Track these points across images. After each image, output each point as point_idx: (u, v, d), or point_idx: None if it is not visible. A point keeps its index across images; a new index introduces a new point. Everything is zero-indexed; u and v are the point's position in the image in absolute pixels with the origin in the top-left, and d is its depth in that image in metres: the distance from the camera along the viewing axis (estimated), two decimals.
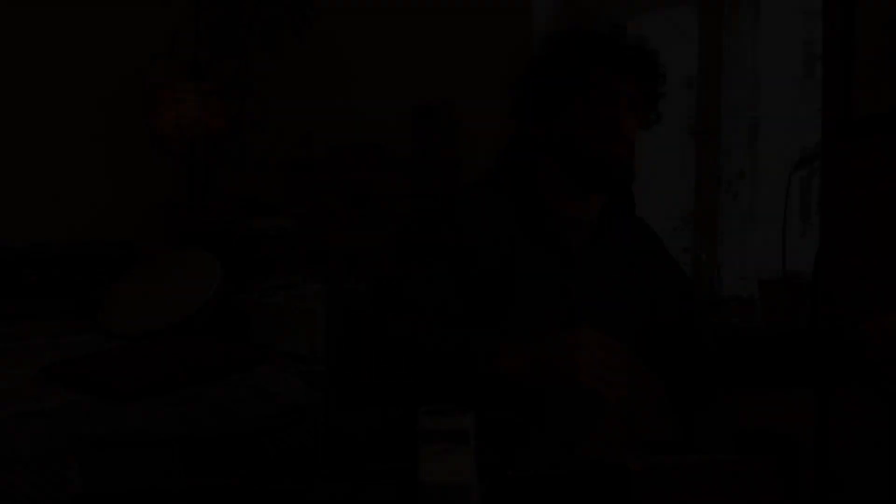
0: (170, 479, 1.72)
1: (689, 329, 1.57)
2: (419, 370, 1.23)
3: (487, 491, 0.90)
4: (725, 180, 2.80)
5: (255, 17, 3.81)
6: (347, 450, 1.45)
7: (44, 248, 3.55)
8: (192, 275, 3.14)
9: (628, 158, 1.45)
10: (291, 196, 4.22)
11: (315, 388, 2.07)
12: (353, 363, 1.63)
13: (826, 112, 2.03)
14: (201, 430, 1.83)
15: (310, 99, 4.28)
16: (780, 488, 1.02)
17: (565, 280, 1.45)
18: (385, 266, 1.49)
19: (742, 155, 2.87)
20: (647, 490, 0.95)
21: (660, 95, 1.53)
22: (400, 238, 1.48)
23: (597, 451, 1.45)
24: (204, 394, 2.00)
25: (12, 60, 3.65)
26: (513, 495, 0.94)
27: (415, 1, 3.80)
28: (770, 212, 2.89)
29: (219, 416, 1.87)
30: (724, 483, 0.99)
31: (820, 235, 2.06)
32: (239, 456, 1.84)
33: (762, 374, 1.53)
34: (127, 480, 1.68)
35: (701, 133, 2.88)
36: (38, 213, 3.73)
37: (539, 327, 1.33)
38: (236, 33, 3.87)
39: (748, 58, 2.88)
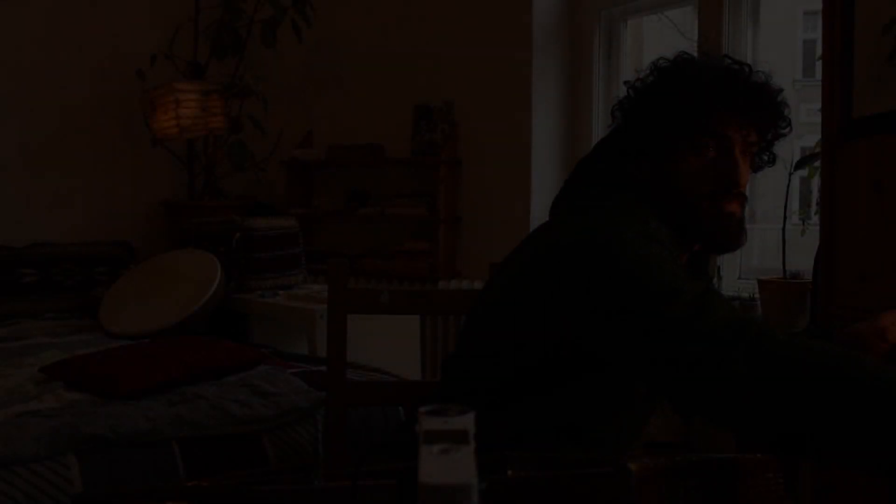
0: (170, 479, 1.72)
1: None
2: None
3: (487, 491, 0.90)
4: None
5: (255, 16, 3.82)
6: (347, 450, 1.45)
7: (44, 248, 3.55)
8: (191, 275, 3.14)
9: (741, 217, 1.29)
10: (291, 196, 4.22)
11: (315, 388, 2.07)
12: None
13: (826, 112, 2.03)
14: (201, 430, 1.83)
15: (310, 99, 4.29)
16: (780, 488, 1.02)
17: None
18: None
19: None
20: (646, 490, 0.95)
21: (781, 138, 1.34)
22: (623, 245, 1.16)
23: None
24: (204, 394, 2.00)
25: (12, 60, 3.65)
26: (513, 495, 0.94)
27: (415, 1, 3.80)
28: (770, 212, 2.89)
29: (219, 416, 1.87)
30: (724, 483, 0.99)
31: (820, 235, 2.06)
32: (239, 456, 1.84)
33: None
34: (127, 480, 1.68)
35: None
36: (39, 213, 3.74)
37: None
38: (236, 33, 3.87)
39: (748, 58, 2.88)
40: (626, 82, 1.32)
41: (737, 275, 2.88)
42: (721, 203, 1.26)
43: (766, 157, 1.37)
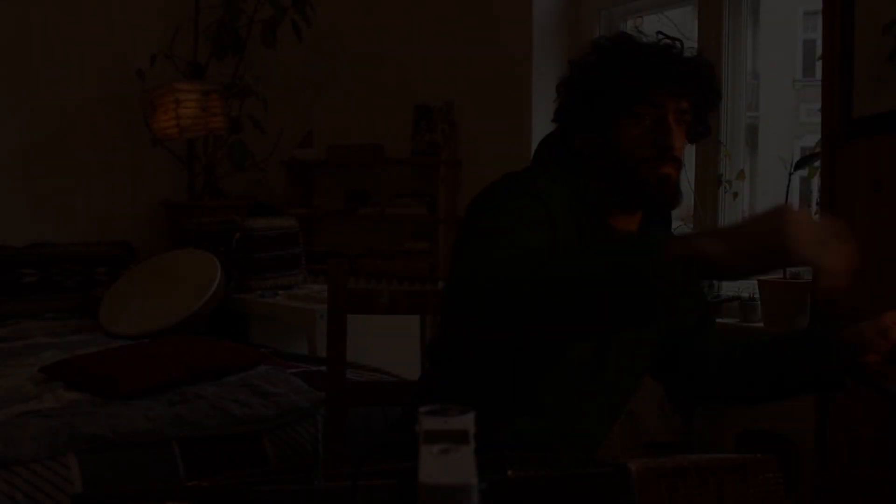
0: (170, 479, 1.72)
1: (702, 334, 1.54)
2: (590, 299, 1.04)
3: (487, 491, 0.90)
4: (725, 180, 2.81)
5: (255, 16, 3.82)
6: (347, 450, 1.45)
7: (44, 248, 3.55)
8: (191, 275, 3.14)
9: (677, 179, 1.39)
10: (291, 196, 4.22)
11: (315, 388, 2.07)
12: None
13: (826, 112, 2.03)
14: (201, 430, 1.83)
15: (310, 99, 4.29)
16: (780, 488, 1.02)
17: None
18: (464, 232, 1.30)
19: (742, 155, 2.87)
20: (647, 490, 0.95)
21: (712, 109, 1.45)
22: (487, 193, 1.33)
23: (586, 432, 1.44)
24: (204, 394, 2.00)
25: (13, 60, 3.65)
26: (513, 495, 0.94)
27: (415, 1, 3.80)
28: None
29: (219, 416, 1.87)
30: (724, 483, 0.99)
31: None
32: (239, 456, 1.84)
33: (765, 385, 1.50)
34: (127, 480, 1.68)
35: None
36: (39, 213, 3.74)
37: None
38: (236, 33, 3.87)
39: (747, 58, 2.88)
40: (570, 61, 1.43)
41: None
42: (658, 166, 1.36)
43: (700, 129, 1.46)
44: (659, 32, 1.40)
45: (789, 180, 2.56)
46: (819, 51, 2.11)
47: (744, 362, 1.48)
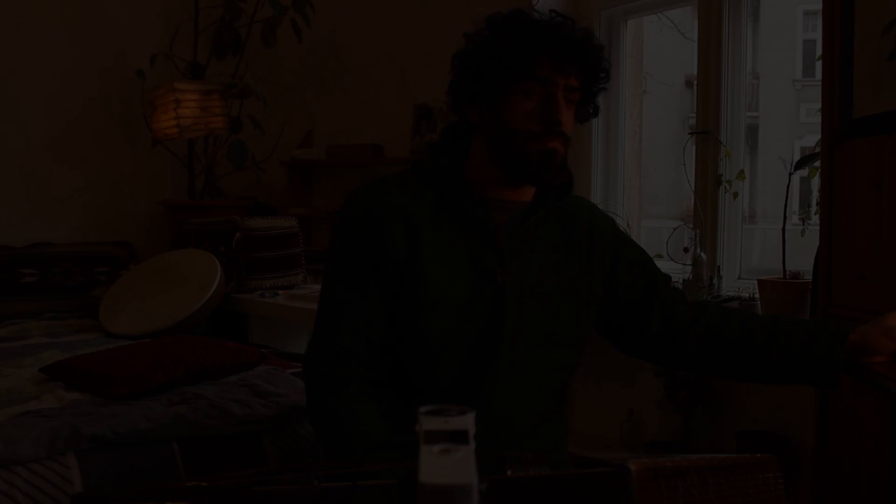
0: (170, 479, 1.72)
1: (657, 298, 1.53)
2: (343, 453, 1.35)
3: (487, 491, 0.90)
4: (725, 180, 2.81)
5: (255, 16, 3.82)
6: (347, 450, 1.45)
7: (44, 248, 3.55)
8: (191, 275, 3.14)
9: (563, 155, 1.43)
10: (291, 196, 4.22)
11: None
12: None
13: (826, 112, 2.03)
14: (201, 430, 1.83)
15: (310, 99, 4.29)
16: (780, 488, 1.02)
17: (490, 265, 1.43)
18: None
19: (742, 155, 2.87)
20: (646, 490, 0.95)
21: (600, 90, 1.49)
22: (330, 249, 1.49)
23: None
24: (204, 394, 2.00)
25: (12, 60, 3.65)
26: (513, 495, 0.94)
27: (415, 1, 3.80)
28: (770, 212, 2.89)
29: (219, 416, 1.87)
30: (724, 483, 0.99)
31: (820, 235, 2.06)
32: (239, 456, 1.84)
33: (760, 368, 1.48)
34: (127, 480, 1.68)
35: (701, 133, 2.88)
36: (39, 213, 3.74)
37: (465, 313, 1.39)
38: (236, 33, 3.87)
39: (748, 58, 2.88)
40: (464, 34, 1.47)
41: (737, 275, 2.88)
42: (544, 141, 1.40)
43: (590, 110, 1.51)
44: (552, 11, 1.43)
45: (789, 180, 2.57)
46: (819, 51, 2.11)
47: (746, 343, 1.46)
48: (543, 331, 1.45)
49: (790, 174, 2.56)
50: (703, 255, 2.78)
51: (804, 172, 2.57)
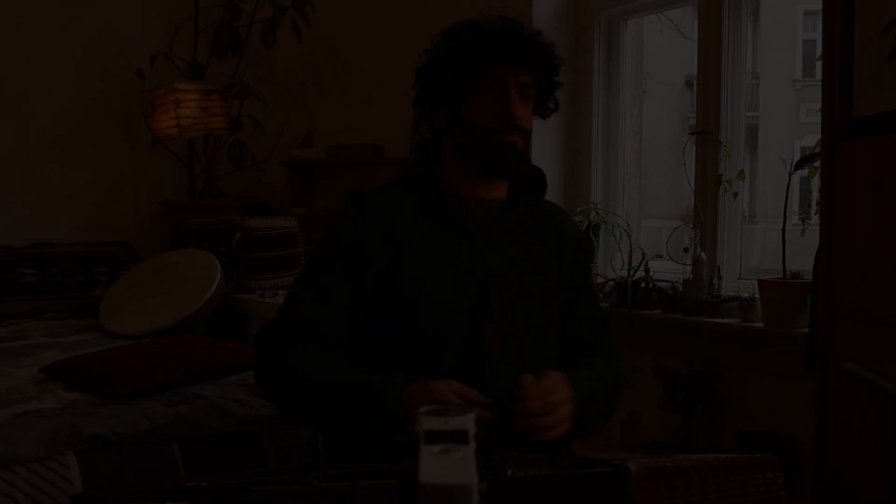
0: (170, 479, 1.72)
1: (573, 318, 1.61)
2: (316, 404, 1.42)
3: (487, 491, 0.90)
4: (725, 180, 2.81)
5: (255, 16, 3.82)
6: (347, 450, 1.45)
7: (44, 248, 3.55)
8: (191, 275, 3.14)
9: (522, 147, 1.53)
10: (291, 196, 4.22)
11: None
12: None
13: (826, 112, 2.03)
14: (201, 430, 1.83)
15: (310, 99, 4.29)
16: (780, 488, 1.02)
17: (471, 260, 1.51)
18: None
19: (742, 155, 2.87)
20: (646, 490, 0.95)
21: (556, 86, 1.60)
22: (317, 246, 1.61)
23: None
24: (204, 394, 2.00)
25: (12, 60, 3.65)
26: (513, 495, 0.94)
27: (415, 1, 3.80)
28: (770, 212, 2.89)
29: (219, 416, 1.87)
30: (724, 483, 0.99)
31: (820, 235, 2.06)
32: (239, 456, 1.84)
33: None
34: (127, 480, 1.68)
35: (701, 133, 2.88)
36: (39, 213, 3.74)
37: (452, 309, 1.47)
38: (236, 33, 3.87)
39: (748, 58, 2.88)
40: (424, 50, 1.59)
41: (737, 275, 2.88)
42: (503, 135, 1.50)
43: (550, 105, 1.64)
44: (501, 15, 1.53)
45: (789, 180, 2.56)
46: (819, 51, 2.11)
47: None
48: (528, 316, 1.53)
49: (790, 174, 2.56)
50: (703, 255, 2.78)
51: (804, 172, 2.57)
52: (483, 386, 1.36)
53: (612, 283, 3.01)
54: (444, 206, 1.54)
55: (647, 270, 2.94)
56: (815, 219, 2.41)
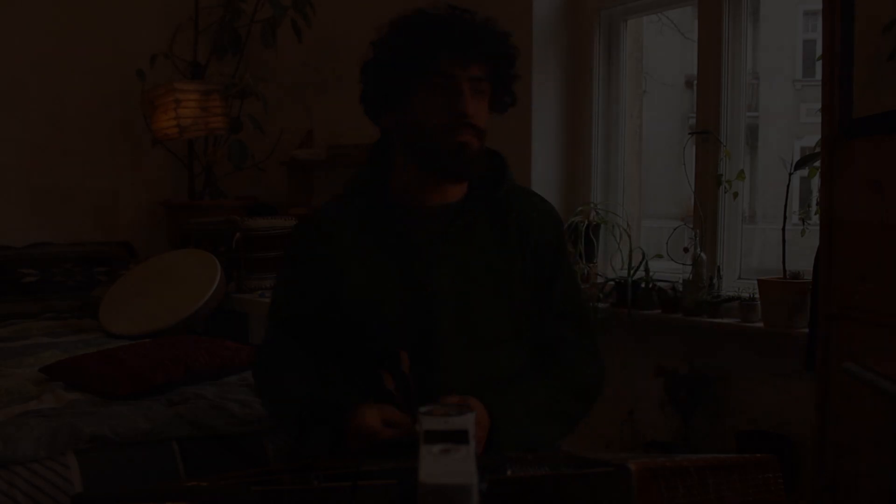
0: (170, 479, 1.72)
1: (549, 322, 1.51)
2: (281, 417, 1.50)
3: (487, 491, 0.90)
4: (725, 180, 2.81)
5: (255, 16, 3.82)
6: (347, 450, 1.45)
7: (44, 248, 3.55)
8: (191, 275, 3.14)
9: (476, 147, 1.41)
10: (291, 196, 4.22)
11: None
12: None
13: (826, 112, 2.03)
14: (201, 430, 1.83)
15: (310, 99, 4.29)
16: (780, 488, 1.02)
17: (418, 277, 1.42)
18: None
19: (742, 155, 2.87)
20: (646, 490, 0.95)
21: (513, 78, 1.47)
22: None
23: None
24: (204, 394, 2.00)
25: (12, 60, 3.65)
26: (513, 495, 0.94)
27: (414, 2, 3.80)
28: (770, 212, 2.89)
29: (219, 416, 1.87)
30: (724, 483, 0.99)
31: (820, 235, 2.06)
32: (239, 456, 1.84)
33: None
34: (127, 480, 1.68)
35: (701, 133, 2.88)
36: (39, 213, 3.74)
37: (398, 334, 1.40)
38: (236, 33, 3.87)
39: (748, 58, 2.88)
40: (371, 42, 1.48)
41: (737, 275, 2.88)
42: (455, 134, 1.38)
43: (507, 100, 1.49)
44: (450, 5, 1.43)
45: (789, 180, 2.56)
46: (819, 51, 2.11)
47: None
48: (485, 326, 1.43)
49: (790, 174, 2.56)
50: (703, 255, 2.78)
51: (804, 172, 2.57)
52: (435, 396, 1.30)
53: (612, 283, 3.00)
54: (390, 219, 1.44)
55: (647, 270, 2.94)
56: (815, 219, 2.41)
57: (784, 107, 9.07)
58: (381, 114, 1.48)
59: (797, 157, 2.58)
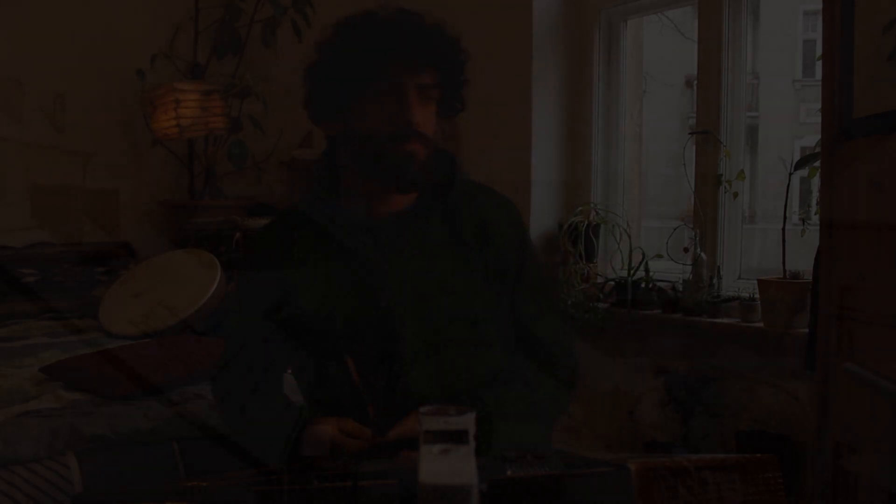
0: (170, 479, 1.72)
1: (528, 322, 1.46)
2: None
3: (487, 491, 0.90)
4: (725, 180, 2.81)
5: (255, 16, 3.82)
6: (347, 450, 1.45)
7: (44, 248, 3.55)
8: (191, 275, 3.14)
9: (423, 156, 1.36)
10: (291, 196, 4.22)
11: None
12: None
13: (826, 112, 2.03)
14: (201, 430, 1.83)
15: None
16: (780, 488, 1.02)
17: (372, 289, 1.38)
18: None
19: (742, 155, 2.87)
20: (646, 490, 0.95)
21: (462, 83, 1.43)
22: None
23: None
24: (204, 394, 2.00)
25: (12, 60, 3.65)
26: (513, 495, 0.94)
27: (414, 2, 3.80)
28: (770, 212, 2.89)
29: (219, 416, 1.87)
30: (724, 483, 0.99)
31: (820, 235, 2.06)
32: (239, 456, 1.84)
33: None
34: (127, 480, 1.68)
35: (701, 133, 2.88)
36: (39, 213, 3.74)
37: (358, 342, 1.36)
38: (236, 33, 3.87)
39: (748, 58, 2.88)
40: (315, 41, 1.40)
41: (737, 275, 2.88)
42: (401, 143, 1.33)
43: (456, 105, 1.45)
44: (399, 8, 1.37)
45: (789, 180, 2.56)
46: (819, 51, 2.11)
47: None
48: (448, 331, 1.39)
49: (790, 174, 2.56)
50: (703, 255, 2.78)
51: (804, 172, 2.57)
52: (404, 408, 1.29)
53: (611, 283, 3.01)
54: (340, 230, 1.39)
55: (647, 270, 2.94)
56: (815, 219, 2.41)
57: (784, 107, 9.07)
58: (325, 120, 1.42)
59: (797, 157, 2.58)
